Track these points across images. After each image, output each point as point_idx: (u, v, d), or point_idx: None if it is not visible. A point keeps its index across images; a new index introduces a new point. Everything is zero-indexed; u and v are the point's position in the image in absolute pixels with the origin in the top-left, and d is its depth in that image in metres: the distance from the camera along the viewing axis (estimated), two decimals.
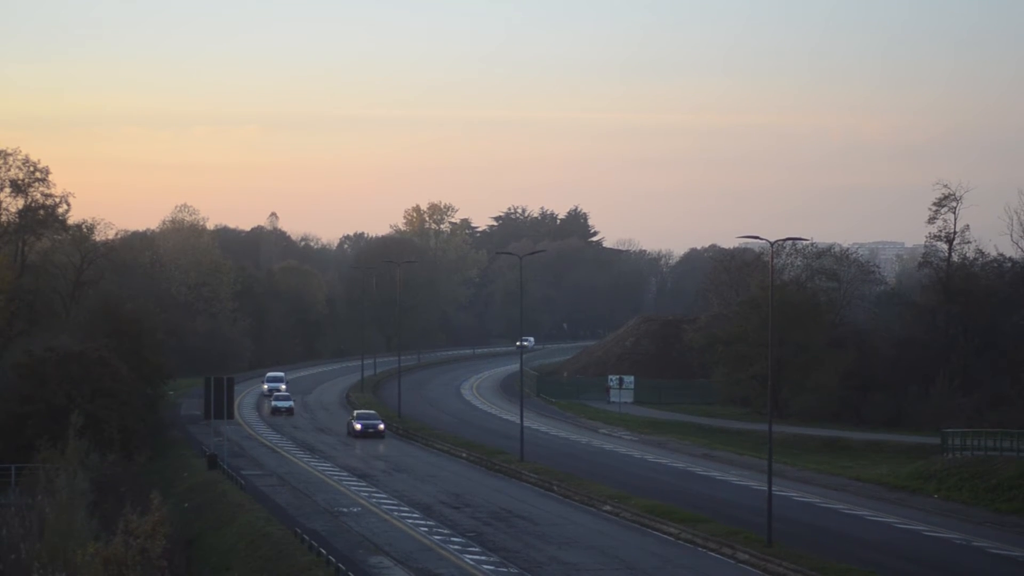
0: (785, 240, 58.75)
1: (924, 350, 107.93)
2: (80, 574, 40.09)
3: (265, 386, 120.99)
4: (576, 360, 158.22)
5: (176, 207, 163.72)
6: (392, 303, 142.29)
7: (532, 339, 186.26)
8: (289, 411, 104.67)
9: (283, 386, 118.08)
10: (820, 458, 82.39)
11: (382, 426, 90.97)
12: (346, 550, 47.74)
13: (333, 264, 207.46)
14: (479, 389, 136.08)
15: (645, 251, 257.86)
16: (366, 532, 52.20)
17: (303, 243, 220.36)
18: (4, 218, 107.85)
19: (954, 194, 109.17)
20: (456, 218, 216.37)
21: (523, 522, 55.55)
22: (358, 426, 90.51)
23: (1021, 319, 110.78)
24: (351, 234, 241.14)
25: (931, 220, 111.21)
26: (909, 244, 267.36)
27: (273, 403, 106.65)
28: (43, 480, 47.74)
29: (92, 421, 65.44)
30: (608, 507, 59.01)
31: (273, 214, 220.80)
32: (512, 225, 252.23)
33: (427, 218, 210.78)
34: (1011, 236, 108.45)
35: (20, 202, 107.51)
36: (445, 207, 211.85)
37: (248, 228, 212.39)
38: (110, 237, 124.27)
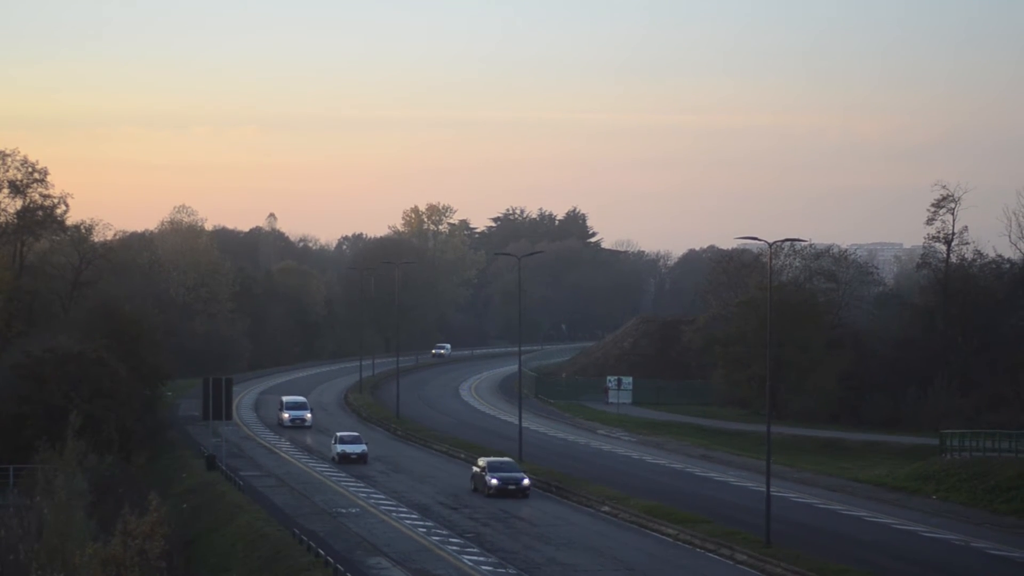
0: (784, 241, 58.79)
1: (922, 351, 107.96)
2: (78, 575, 40.09)
3: (286, 415, 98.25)
4: (575, 361, 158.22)
5: (175, 208, 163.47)
6: (391, 304, 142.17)
7: (449, 346, 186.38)
8: (362, 458, 76.43)
9: (308, 415, 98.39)
10: (818, 459, 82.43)
11: (526, 481, 63.74)
12: (344, 551, 47.79)
13: (331, 265, 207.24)
14: (477, 390, 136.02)
15: (644, 252, 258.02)
16: (364, 533, 52.24)
17: (301, 244, 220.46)
18: (2, 219, 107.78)
19: (952, 195, 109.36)
20: (454, 219, 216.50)
21: (521, 523, 55.60)
22: (494, 481, 63.22)
23: (1019, 320, 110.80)
24: (349, 235, 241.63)
25: (929, 221, 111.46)
26: (908, 245, 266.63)
27: (339, 448, 77.20)
28: (41, 481, 47.68)
29: (90, 422, 65.50)
30: (606, 508, 59.03)
31: (271, 215, 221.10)
32: (510, 226, 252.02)
33: (425, 219, 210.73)
34: (1009, 237, 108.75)
35: (18, 203, 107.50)
36: (443, 208, 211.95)
37: (247, 229, 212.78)
38: (109, 238, 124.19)
